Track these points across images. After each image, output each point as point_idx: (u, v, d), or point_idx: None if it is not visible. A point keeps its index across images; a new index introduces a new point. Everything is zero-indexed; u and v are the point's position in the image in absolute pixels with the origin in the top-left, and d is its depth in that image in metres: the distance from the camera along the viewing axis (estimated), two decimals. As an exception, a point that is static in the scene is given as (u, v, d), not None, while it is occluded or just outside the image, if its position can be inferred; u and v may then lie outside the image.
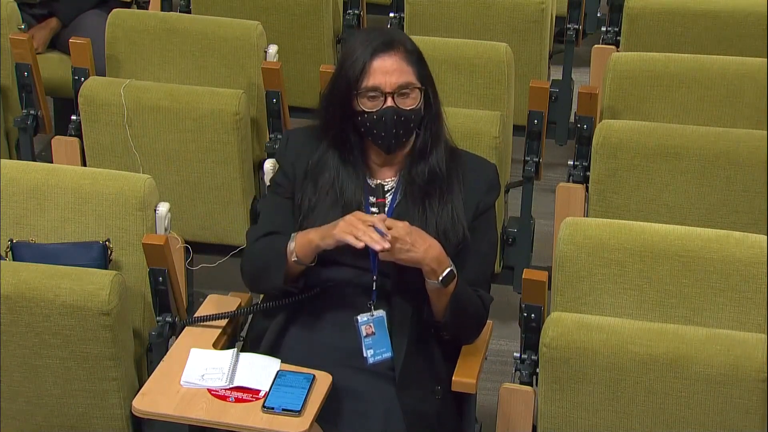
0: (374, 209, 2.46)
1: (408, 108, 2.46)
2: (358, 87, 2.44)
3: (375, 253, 2.39)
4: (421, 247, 2.39)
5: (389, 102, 2.44)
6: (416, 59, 2.48)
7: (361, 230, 2.35)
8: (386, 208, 2.48)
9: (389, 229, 2.38)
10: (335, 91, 2.50)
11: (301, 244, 2.44)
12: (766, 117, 3.21)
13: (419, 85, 2.47)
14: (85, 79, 3.46)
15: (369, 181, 2.55)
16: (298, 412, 2.26)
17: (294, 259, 2.44)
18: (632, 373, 2.33)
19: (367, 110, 2.45)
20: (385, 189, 2.53)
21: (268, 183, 2.78)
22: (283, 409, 2.26)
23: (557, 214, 3.16)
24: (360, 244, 2.35)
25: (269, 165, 2.83)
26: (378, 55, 2.44)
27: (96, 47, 3.60)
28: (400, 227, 2.39)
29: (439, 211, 2.50)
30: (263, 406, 2.28)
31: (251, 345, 2.57)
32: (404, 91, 2.45)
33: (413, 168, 2.52)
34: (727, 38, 3.65)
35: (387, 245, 2.33)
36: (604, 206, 3.04)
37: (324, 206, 2.50)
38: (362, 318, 2.44)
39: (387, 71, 2.44)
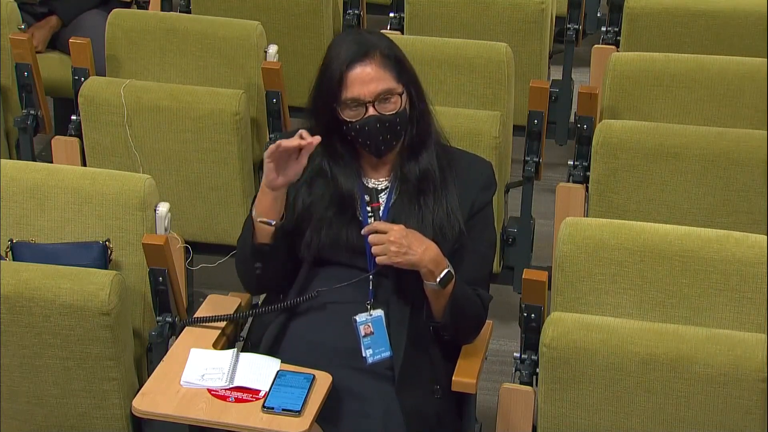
0: (370, 211, 2.46)
1: (390, 113, 2.45)
2: (338, 99, 2.44)
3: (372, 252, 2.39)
4: (418, 249, 2.39)
5: (371, 111, 2.44)
6: (394, 62, 2.46)
7: (288, 140, 2.37)
8: (381, 210, 2.48)
9: (385, 232, 2.38)
10: (317, 101, 2.50)
11: (259, 197, 2.45)
12: (766, 117, 3.22)
13: (399, 90, 2.46)
14: (85, 79, 3.46)
15: (364, 180, 2.55)
16: (298, 412, 2.26)
17: (259, 219, 2.45)
18: (632, 373, 2.33)
19: (350, 120, 2.45)
20: (379, 190, 2.53)
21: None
22: (283, 409, 2.26)
23: (557, 214, 3.17)
24: (293, 144, 2.36)
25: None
26: (354, 65, 2.42)
27: (96, 47, 3.61)
28: (396, 231, 2.38)
29: (435, 208, 2.49)
30: (263, 406, 2.28)
31: (251, 345, 2.57)
32: (384, 97, 2.44)
33: (405, 166, 2.52)
34: (727, 38, 3.65)
35: (308, 141, 2.35)
36: (604, 206, 3.04)
37: (319, 206, 2.50)
38: (360, 318, 2.44)
39: (364, 81, 2.42)
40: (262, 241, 2.47)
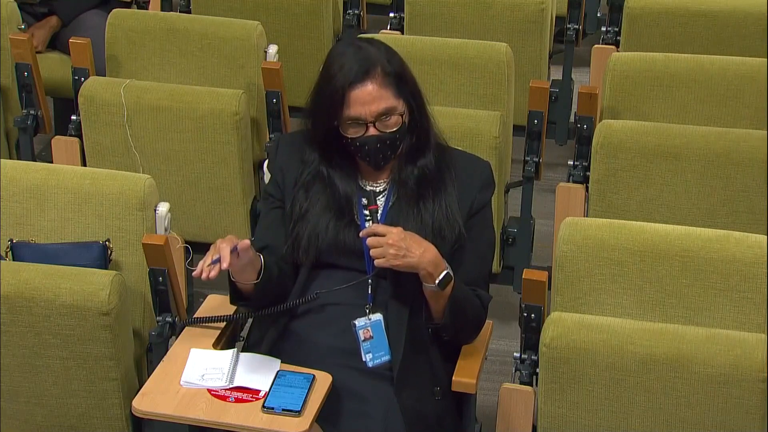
0: (367, 214, 2.46)
1: (391, 130, 2.45)
2: (339, 117, 2.43)
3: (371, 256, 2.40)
4: (416, 251, 2.38)
5: (371, 130, 2.43)
6: (394, 79, 2.45)
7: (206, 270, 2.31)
8: (379, 213, 2.47)
9: (383, 235, 2.38)
10: (317, 113, 2.50)
11: (231, 270, 2.43)
12: (766, 117, 3.22)
13: (400, 109, 2.45)
14: (85, 79, 3.46)
15: (361, 183, 2.55)
16: (298, 412, 2.26)
17: (239, 283, 2.45)
18: (632, 373, 2.33)
19: (350, 136, 2.45)
20: (377, 192, 2.52)
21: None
22: (283, 409, 2.26)
23: (557, 214, 3.16)
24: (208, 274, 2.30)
25: (267, 167, 2.82)
26: (355, 85, 2.41)
27: (96, 47, 3.61)
28: (394, 233, 2.38)
29: (434, 210, 2.49)
30: (263, 406, 2.28)
31: (251, 346, 2.57)
32: (385, 116, 2.44)
33: (403, 170, 2.52)
34: (727, 38, 3.65)
35: (213, 273, 2.28)
36: (604, 206, 3.04)
37: (316, 210, 2.50)
38: (359, 322, 2.44)
39: (365, 101, 2.42)
40: (246, 292, 2.47)
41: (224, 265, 2.28)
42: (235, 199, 3.39)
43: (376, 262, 2.39)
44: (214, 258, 2.29)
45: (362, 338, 2.43)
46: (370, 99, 2.42)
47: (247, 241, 2.35)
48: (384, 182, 2.55)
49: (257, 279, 2.43)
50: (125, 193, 2.71)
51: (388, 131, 2.44)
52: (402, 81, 2.47)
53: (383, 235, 2.38)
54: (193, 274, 2.31)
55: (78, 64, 3.56)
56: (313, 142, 2.53)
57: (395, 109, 2.44)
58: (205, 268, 2.29)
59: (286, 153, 2.60)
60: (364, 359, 2.42)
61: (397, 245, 2.37)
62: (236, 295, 2.49)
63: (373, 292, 2.47)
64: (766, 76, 3.24)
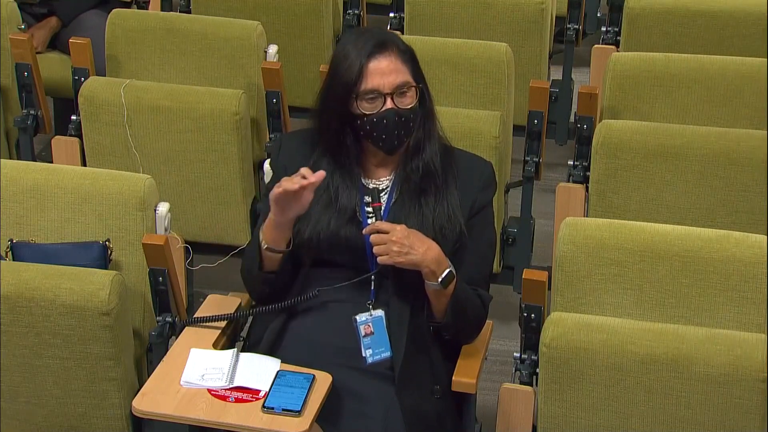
0: (369, 211, 2.46)
1: (407, 107, 2.46)
2: (357, 90, 2.44)
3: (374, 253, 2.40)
4: (419, 249, 2.39)
5: (389, 103, 2.44)
6: (409, 58, 2.49)
7: (290, 181, 2.36)
8: (382, 210, 2.48)
9: (387, 232, 2.38)
10: (331, 95, 2.50)
11: (266, 228, 2.46)
12: (766, 117, 3.22)
13: (415, 84, 2.47)
14: (85, 79, 3.46)
15: (364, 181, 2.55)
16: (298, 412, 2.26)
17: (265, 246, 2.45)
18: (632, 373, 2.33)
19: (366, 113, 2.45)
20: (380, 189, 2.53)
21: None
22: (283, 409, 2.26)
23: (557, 214, 3.16)
24: (294, 186, 2.35)
25: (269, 165, 2.83)
26: (373, 56, 2.44)
27: (96, 47, 3.61)
28: (398, 230, 2.39)
29: (436, 208, 2.50)
30: (263, 406, 2.28)
31: (251, 345, 2.57)
32: (402, 90, 2.45)
33: (407, 165, 2.52)
34: (727, 38, 3.66)
35: (311, 180, 2.34)
36: (604, 206, 3.04)
37: (318, 208, 2.50)
38: (361, 318, 2.44)
39: (384, 72, 2.44)
40: (269, 268, 2.48)
41: (312, 179, 2.33)
42: (235, 199, 3.39)
43: (379, 259, 2.39)
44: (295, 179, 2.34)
45: (363, 333, 2.43)
46: (388, 71, 2.44)
47: (321, 173, 2.37)
48: (387, 179, 2.55)
49: (287, 248, 2.44)
50: (125, 193, 2.71)
51: (404, 107, 2.45)
52: (415, 63, 2.50)
53: (387, 233, 2.39)
54: (272, 193, 2.36)
55: (78, 64, 3.56)
56: (320, 135, 2.53)
57: (411, 83, 2.46)
58: (285, 184, 2.34)
59: (290, 150, 2.60)
60: (363, 355, 2.42)
61: (400, 242, 2.37)
62: (260, 265, 2.50)
63: (375, 289, 2.48)
64: (766, 76, 3.24)
